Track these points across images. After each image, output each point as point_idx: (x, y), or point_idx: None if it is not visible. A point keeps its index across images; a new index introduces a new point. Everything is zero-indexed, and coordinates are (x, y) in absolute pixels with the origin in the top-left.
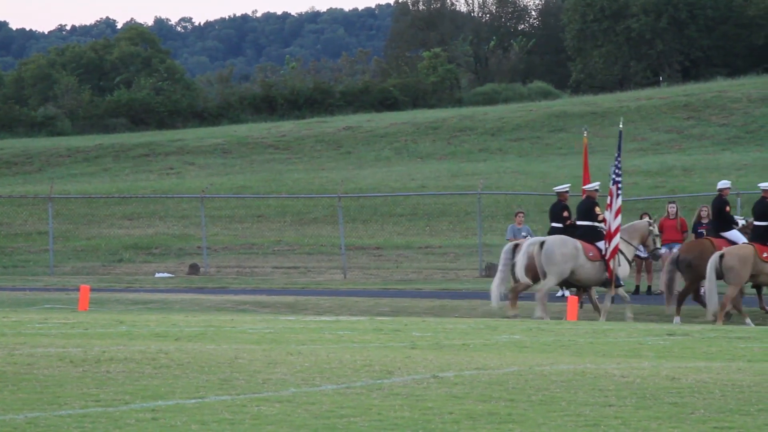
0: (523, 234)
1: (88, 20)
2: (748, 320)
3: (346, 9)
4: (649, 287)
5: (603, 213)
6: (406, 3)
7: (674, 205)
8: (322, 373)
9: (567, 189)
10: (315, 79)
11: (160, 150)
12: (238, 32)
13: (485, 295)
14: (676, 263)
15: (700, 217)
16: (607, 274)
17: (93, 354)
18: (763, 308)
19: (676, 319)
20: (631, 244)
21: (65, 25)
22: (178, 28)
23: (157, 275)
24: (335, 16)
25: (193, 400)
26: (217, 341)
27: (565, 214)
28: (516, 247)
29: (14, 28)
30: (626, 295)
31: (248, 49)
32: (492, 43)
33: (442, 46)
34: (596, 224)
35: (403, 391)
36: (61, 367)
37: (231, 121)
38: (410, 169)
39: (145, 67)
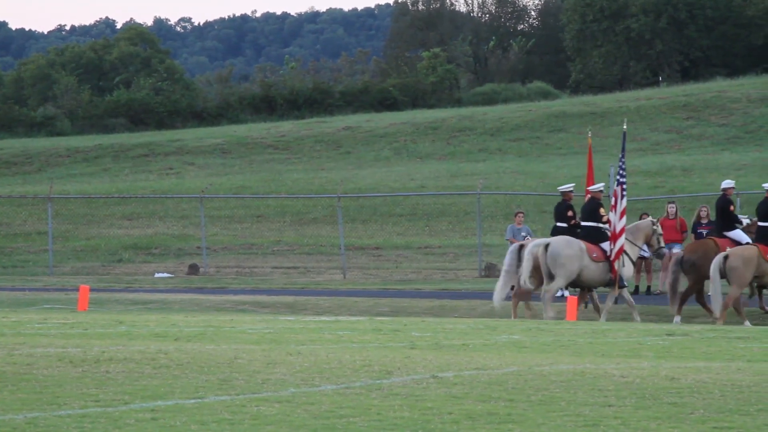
0: (523, 234)
1: (88, 20)
2: (747, 323)
3: (346, 9)
4: (649, 287)
5: (607, 214)
6: (406, 3)
7: (674, 206)
8: (322, 373)
9: (571, 188)
10: (314, 79)
11: (159, 150)
12: (237, 32)
13: (485, 295)
14: (680, 263)
15: (699, 217)
16: (611, 275)
17: (92, 354)
18: (762, 308)
19: (677, 318)
20: (636, 245)
21: (65, 25)
22: (178, 28)
23: (156, 275)
24: (334, 16)
25: (193, 400)
26: (216, 341)
27: (570, 213)
28: (521, 248)
29: (14, 28)
30: (631, 299)
31: (248, 49)
32: (491, 43)
33: (442, 46)
34: (600, 225)
35: (403, 391)
36: (61, 367)
37: (230, 121)
38: (410, 169)
39: (144, 67)
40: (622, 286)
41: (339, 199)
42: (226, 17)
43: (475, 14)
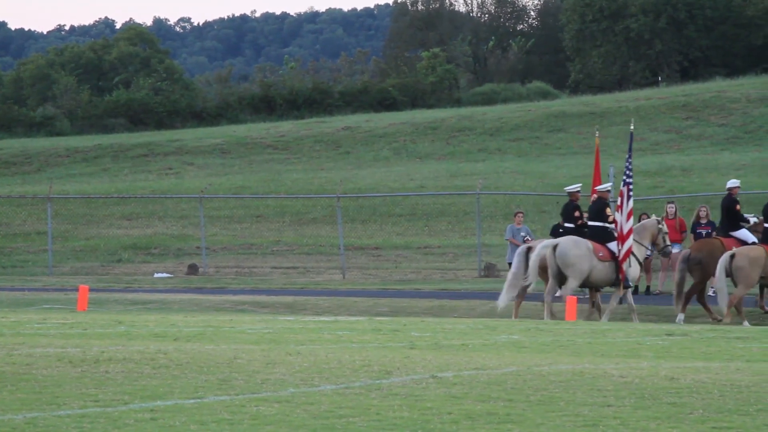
0: (522, 234)
1: (87, 20)
2: (746, 323)
3: (345, 9)
4: (648, 287)
5: (613, 214)
6: (405, 3)
7: (673, 206)
8: (321, 373)
9: (578, 189)
10: (314, 79)
11: (158, 150)
12: (237, 32)
13: (484, 296)
14: (686, 261)
15: (698, 217)
16: (617, 274)
17: (92, 354)
18: (762, 308)
19: (680, 316)
20: (642, 245)
21: (64, 25)
22: (177, 28)
23: (155, 275)
24: (334, 16)
25: (192, 400)
26: (215, 341)
27: (577, 214)
28: (529, 250)
29: (13, 28)
30: (633, 303)
31: (247, 50)
32: (491, 43)
33: (441, 47)
34: (607, 225)
35: (402, 391)
36: (60, 368)
37: (230, 122)
38: (409, 169)
39: (143, 67)
40: (627, 287)
41: (338, 199)
42: (226, 17)
43: (474, 14)
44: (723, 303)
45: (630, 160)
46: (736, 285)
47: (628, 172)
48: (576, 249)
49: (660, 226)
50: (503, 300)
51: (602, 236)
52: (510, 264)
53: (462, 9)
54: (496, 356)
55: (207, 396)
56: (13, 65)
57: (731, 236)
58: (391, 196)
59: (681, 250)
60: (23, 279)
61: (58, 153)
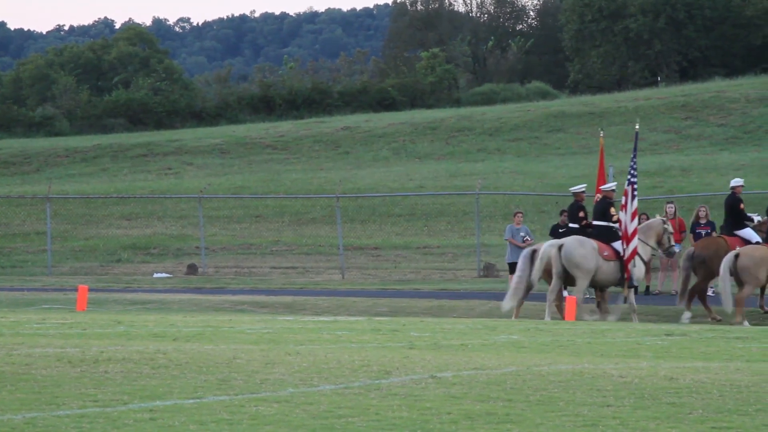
0: (522, 234)
1: (87, 20)
2: (746, 323)
3: (344, 9)
4: (648, 287)
5: (617, 214)
6: (404, 3)
7: (672, 206)
8: (320, 373)
9: (583, 189)
10: (313, 79)
11: (158, 150)
12: (236, 32)
13: (483, 296)
14: (691, 259)
15: (698, 217)
16: (622, 274)
17: (91, 354)
18: (762, 308)
19: (687, 314)
20: (648, 244)
21: (63, 25)
22: (177, 28)
23: (155, 275)
24: (333, 16)
25: (192, 401)
26: (215, 341)
27: (581, 214)
28: (534, 252)
29: (12, 28)
30: (634, 303)
31: (246, 50)
32: (490, 43)
33: (440, 47)
34: (611, 224)
35: (401, 391)
36: (59, 368)
37: (229, 122)
38: (408, 170)
39: (143, 67)
40: (631, 287)
41: (338, 199)
42: (225, 17)
43: (473, 14)
44: (727, 303)
45: (635, 159)
46: (739, 285)
47: (633, 172)
48: (581, 248)
49: (665, 226)
50: (508, 303)
51: (607, 236)
52: (509, 264)
53: (461, 9)
54: (495, 356)
55: (206, 396)
56: (12, 65)
57: (735, 235)
58: (391, 196)
59: (680, 250)
60: (22, 279)
61: (57, 153)
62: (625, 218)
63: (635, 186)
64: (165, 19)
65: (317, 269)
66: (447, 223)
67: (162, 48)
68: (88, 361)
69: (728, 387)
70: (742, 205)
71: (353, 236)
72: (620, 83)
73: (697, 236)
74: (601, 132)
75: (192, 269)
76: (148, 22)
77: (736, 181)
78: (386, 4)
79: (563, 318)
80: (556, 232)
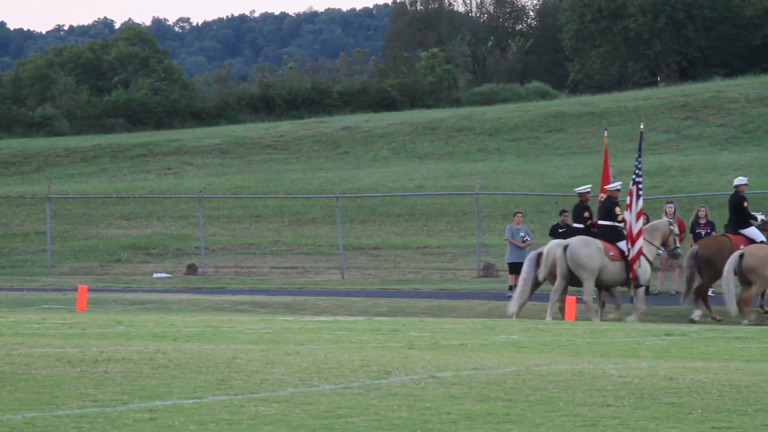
0: (521, 234)
1: (86, 20)
2: (745, 321)
3: (344, 9)
4: (648, 287)
5: (622, 213)
6: (404, 3)
7: (672, 206)
8: (320, 373)
9: (588, 190)
10: (313, 79)
11: (157, 150)
12: (236, 32)
13: (483, 296)
14: (695, 258)
15: (698, 217)
16: (627, 274)
17: (91, 354)
18: (762, 308)
19: (697, 312)
20: (653, 245)
21: (63, 25)
22: (176, 29)
23: (154, 275)
24: (333, 16)
25: (191, 400)
26: (214, 341)
27: (586, 214)
28: (540, 255)
29: (12, 28)
30: (644, 306)
31: (246, 50)
32: (490, 43)
33: (440, 47)
34: (617, 224)
35: (401, 391)
36: (59, 368)
37: (229, 122)
38: (408, 170)
39: (142, 67)
40: (638, 286)
41: (337, 199)
42: (225, 17)
43: (473, 14)
44: (731, 303)
45: (640, 159)
46: (743, 284)
47: (638, 171)
48: (586, 249)
49: (671, 227)
50: (514, 305)
51: (612, 235)
52: (509, 264)
53: (461, 9)
54: (495, 356)
55: (206, 396)
56: (12, 65)
57: (740, 234)
58: (390, 196)
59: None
60: (22, 279)
61: (57, 153)
62: (630, 218)
63: (640, 186)
64: (165, 19)
65: (317, 269)
66: (447, 223)
67: (162, 48)
68: (87, 361)
69: (728, 387)
70: (745, 204)
71: (353, 236)
72: (620, 83)
73: (696, 236)
74: (606, 132)
75: (192, 269)
76: (148, 22)
77: (740, 180)
78: (386, 4)
79: (563, 318)
80: (555, 232)
